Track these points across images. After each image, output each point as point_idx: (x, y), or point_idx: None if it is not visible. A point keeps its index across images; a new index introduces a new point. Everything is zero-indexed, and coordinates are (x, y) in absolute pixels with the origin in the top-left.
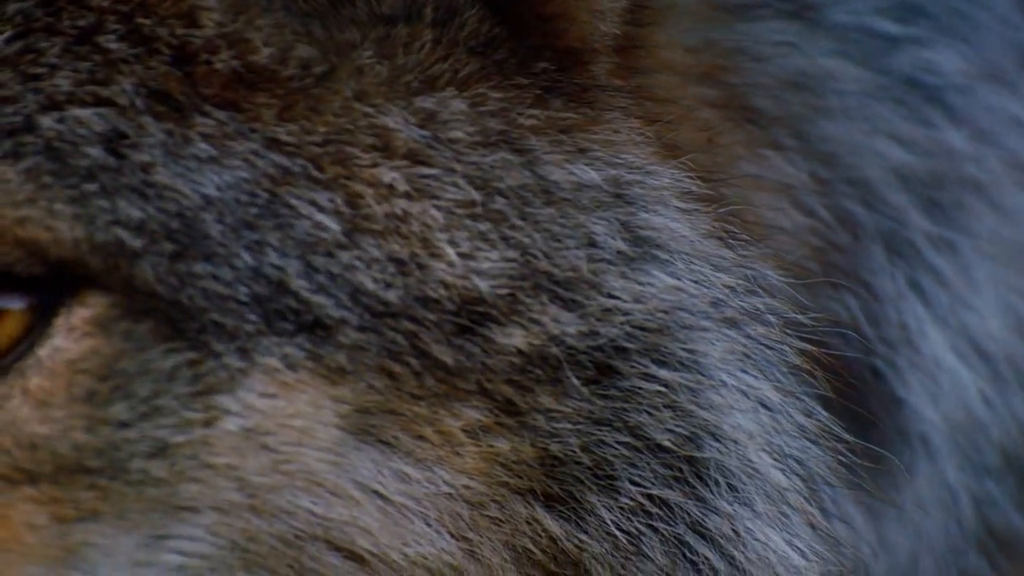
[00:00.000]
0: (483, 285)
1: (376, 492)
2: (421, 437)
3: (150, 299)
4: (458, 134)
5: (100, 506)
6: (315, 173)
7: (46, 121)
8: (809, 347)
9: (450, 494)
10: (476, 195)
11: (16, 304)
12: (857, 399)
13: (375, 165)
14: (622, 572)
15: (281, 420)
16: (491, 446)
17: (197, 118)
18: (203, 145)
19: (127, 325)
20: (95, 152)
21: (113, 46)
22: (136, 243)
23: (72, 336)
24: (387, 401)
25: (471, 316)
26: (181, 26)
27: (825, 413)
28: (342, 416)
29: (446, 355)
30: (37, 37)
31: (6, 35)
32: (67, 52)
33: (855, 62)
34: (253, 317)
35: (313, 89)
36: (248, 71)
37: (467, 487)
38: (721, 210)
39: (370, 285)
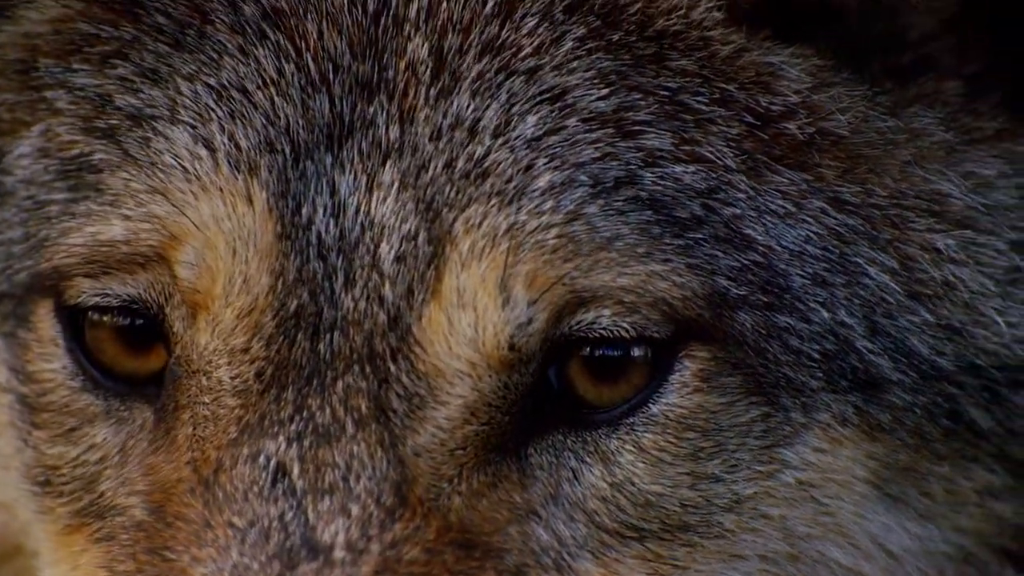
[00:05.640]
0: None
1: (882, 545)
2: (927, 495)
3: (740, 350)
4: (1000, 197)
5: (690, 563)
6: (874, 233)
7: (648, 176)
8: None
9: (945, 552)
10: (1019, 261)
11: (640, 356)
12: None
13: (929, 230)
14: None
15: (827, 473)
16: (993, 508)
17: (770, 176)
18: (780, 201)
19: (723, 379)
20: (692, 205)
21: (703, 107)
22: (738, 292)
23: (683, 391)
24: (910, 459)
25: (1010, 383)
26: (761, 93)
27: None
28: (870, 471)
29: (982, 419)
30: (631, 96)
31: (601, 93)
32: (659, 111)
33: None
34: (819, 373)
35: (874, 151)
36: (820, 135)
37: (959, 545)
38: None
39: (923, 350)
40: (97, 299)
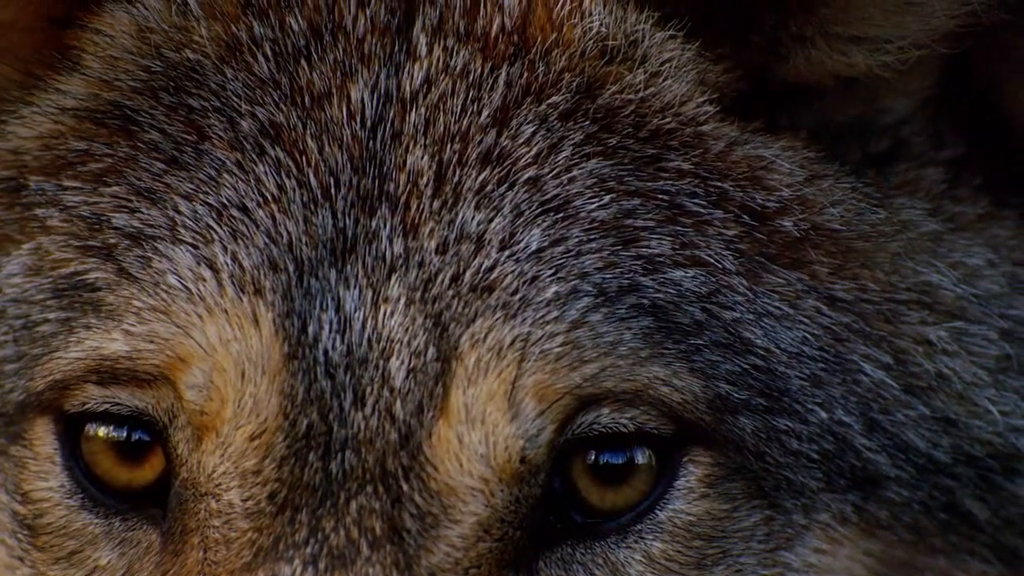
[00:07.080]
0: (1021, 442)
1: None
2: None
3: (740, 455)
4: (988, 285)
5: None
6: (867, 329)
7: (649, 283)
8: None
9: None
10: (1009, 349)
11: (644, 460)
12: None
13: (922, 323)
14: None
15: (827, 574)
16: None
17: (766, 276)
18: (777, 302)
19: (727, 484)
20: (693, 310)
21: (701, 209)
22: (739, 396)
23: (690, 497)
24: (907, 554)
25: (1004, 471)
26: (755, 189)
27: None
28: (868, 568)
29: (978, 510)
30: (631, 202)
31: (602, 201)
32: (658, 215)
33: None
34: (819, 474)
35: (865, 245)
36: (813, 231)
37: None
38: None
39: (920, 444)
40: (107, 406)
